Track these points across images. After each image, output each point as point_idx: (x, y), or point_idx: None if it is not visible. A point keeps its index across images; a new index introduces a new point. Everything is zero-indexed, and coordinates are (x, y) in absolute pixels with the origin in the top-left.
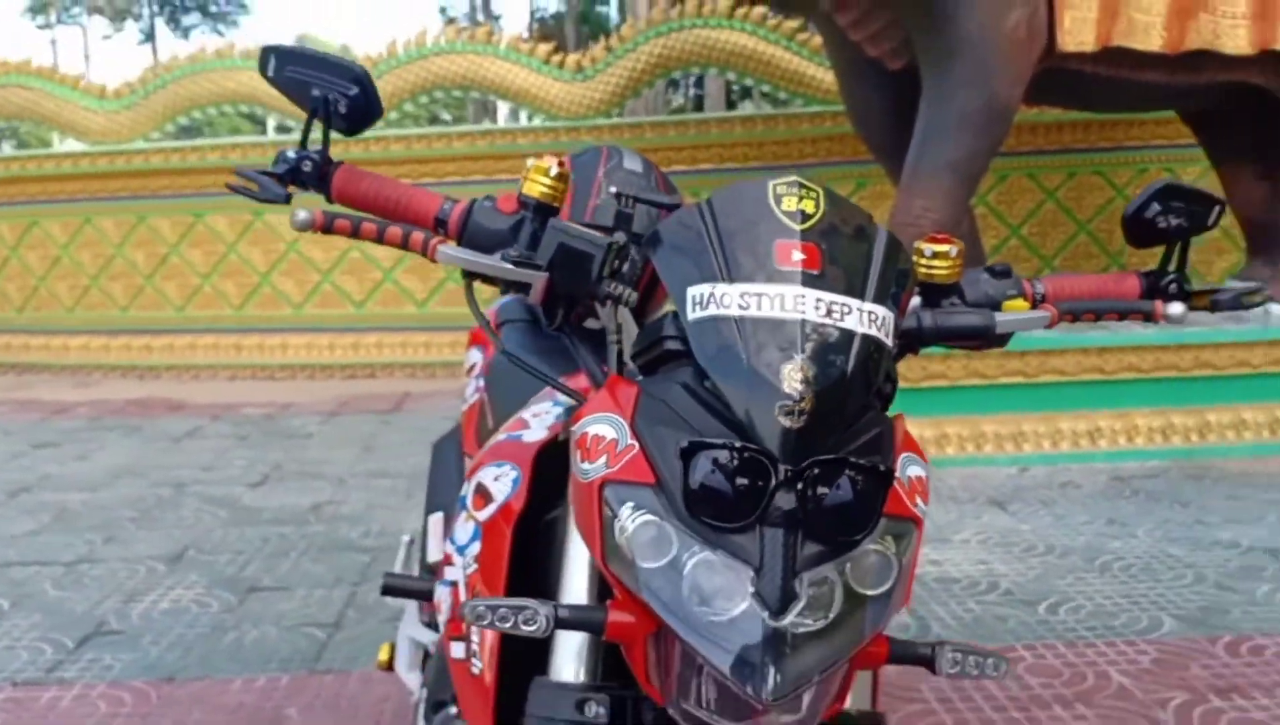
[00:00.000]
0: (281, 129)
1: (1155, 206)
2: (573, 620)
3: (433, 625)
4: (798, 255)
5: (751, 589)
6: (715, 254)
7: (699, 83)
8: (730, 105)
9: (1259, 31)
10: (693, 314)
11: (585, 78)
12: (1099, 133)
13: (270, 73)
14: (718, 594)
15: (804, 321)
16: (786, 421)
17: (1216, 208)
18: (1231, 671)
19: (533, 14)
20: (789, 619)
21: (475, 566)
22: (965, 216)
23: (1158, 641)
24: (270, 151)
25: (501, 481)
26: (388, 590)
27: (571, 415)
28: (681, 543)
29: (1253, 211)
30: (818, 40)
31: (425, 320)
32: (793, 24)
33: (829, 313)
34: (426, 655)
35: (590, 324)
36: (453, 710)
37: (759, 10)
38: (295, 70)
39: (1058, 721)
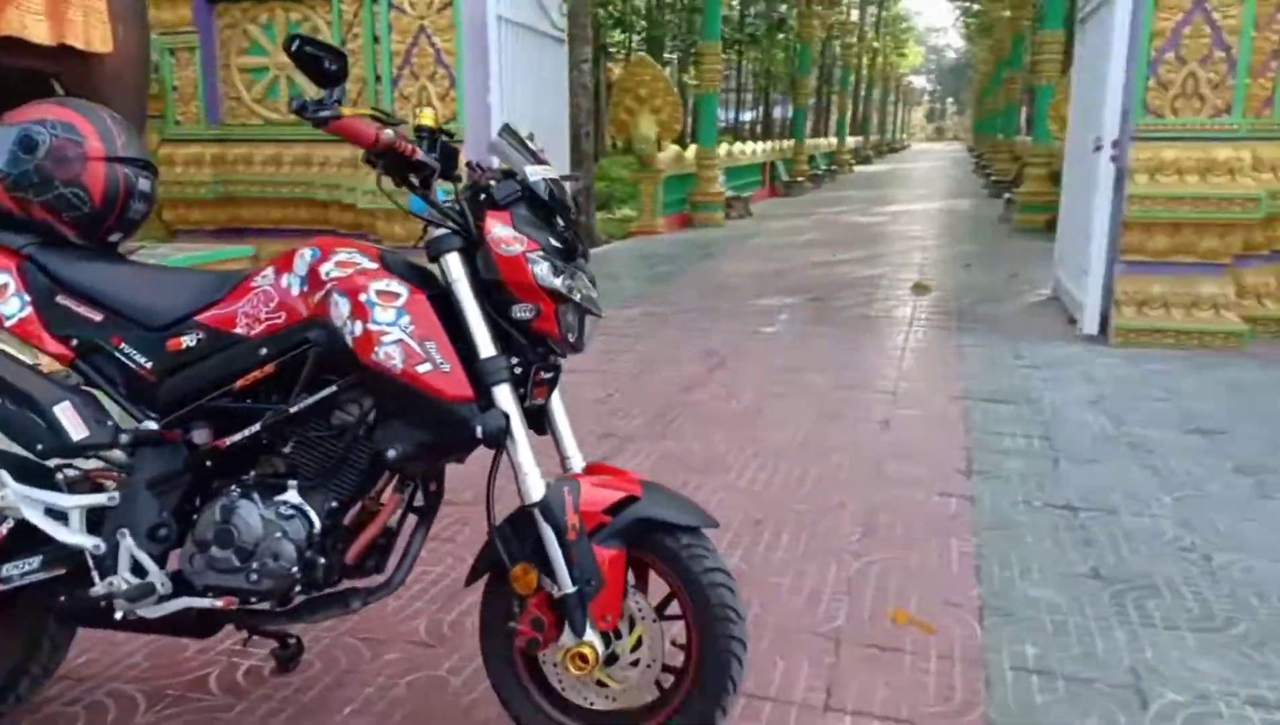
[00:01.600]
0: None
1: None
2: (529, 317)
3: (80, 488)
4: (542, 156)
5: (588, 281)
6: (522, 153)
7: None
8: None
9: (54, 27)
10: (532, 177)
11: None
12: None
13: (294, 49)
14: (580, 282)
15: (561, 180)
16: (575, 215)
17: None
18: None
19: None
20: (595, 292)
21: (413, 326)
22: None
23: None
24: None
25: (393, 285)
26: (78, 449)
27: (387, 261)
28: (560, 269)
29: None
30: None
31: None
32: None
33: (563, 178)
34: (101, 514)
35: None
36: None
37: None
38: (313, 49)
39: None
